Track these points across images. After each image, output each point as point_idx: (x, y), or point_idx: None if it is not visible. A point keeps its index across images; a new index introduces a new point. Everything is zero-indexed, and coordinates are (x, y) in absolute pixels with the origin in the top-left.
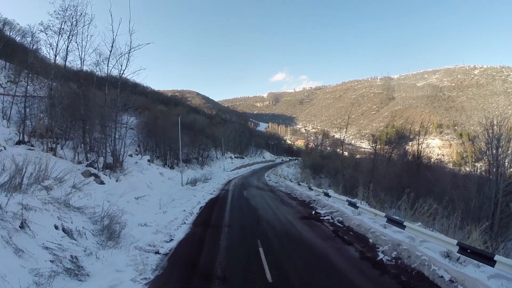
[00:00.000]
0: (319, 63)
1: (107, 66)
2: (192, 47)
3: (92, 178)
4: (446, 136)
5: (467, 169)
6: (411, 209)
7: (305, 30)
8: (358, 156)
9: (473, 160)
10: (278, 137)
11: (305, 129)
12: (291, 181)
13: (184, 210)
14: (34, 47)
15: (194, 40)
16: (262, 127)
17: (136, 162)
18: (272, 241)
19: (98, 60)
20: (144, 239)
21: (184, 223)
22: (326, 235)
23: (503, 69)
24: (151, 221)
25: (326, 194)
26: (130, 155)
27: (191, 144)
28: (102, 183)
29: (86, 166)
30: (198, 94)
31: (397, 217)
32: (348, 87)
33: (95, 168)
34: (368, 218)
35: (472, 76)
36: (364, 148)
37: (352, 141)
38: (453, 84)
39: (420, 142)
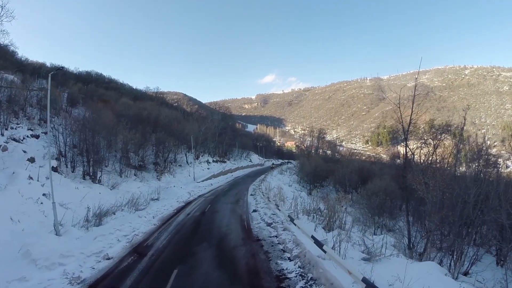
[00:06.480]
0: (308, 64)
1: None
2: (183, 50)
3: None
4: (439, 136)
5: (462, 169)
6: None
7: (295, 32)
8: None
9: (468, 160)
10: (267, 138)
11: (294, 131)
12: (327, 258)
13: None
14: None
15: (183, 43)
16: (250, 128)
17: (14, 173)
18: None
19: None
20: None
21: None
22: None
23: (494, 69)
24: None
25: None
26: (31, 159)
27: (155, 144)
28: None
29: None
30: (185, 95)
31: None
32: (338, 88)
33: None
34: None
35: (463, 76)
36: (356, 149)
37: (343, 143)
38: (444, 84)
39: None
